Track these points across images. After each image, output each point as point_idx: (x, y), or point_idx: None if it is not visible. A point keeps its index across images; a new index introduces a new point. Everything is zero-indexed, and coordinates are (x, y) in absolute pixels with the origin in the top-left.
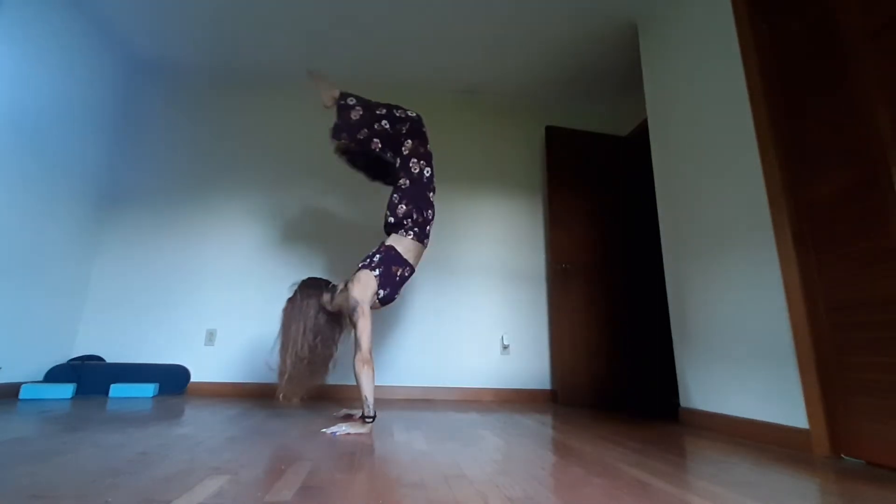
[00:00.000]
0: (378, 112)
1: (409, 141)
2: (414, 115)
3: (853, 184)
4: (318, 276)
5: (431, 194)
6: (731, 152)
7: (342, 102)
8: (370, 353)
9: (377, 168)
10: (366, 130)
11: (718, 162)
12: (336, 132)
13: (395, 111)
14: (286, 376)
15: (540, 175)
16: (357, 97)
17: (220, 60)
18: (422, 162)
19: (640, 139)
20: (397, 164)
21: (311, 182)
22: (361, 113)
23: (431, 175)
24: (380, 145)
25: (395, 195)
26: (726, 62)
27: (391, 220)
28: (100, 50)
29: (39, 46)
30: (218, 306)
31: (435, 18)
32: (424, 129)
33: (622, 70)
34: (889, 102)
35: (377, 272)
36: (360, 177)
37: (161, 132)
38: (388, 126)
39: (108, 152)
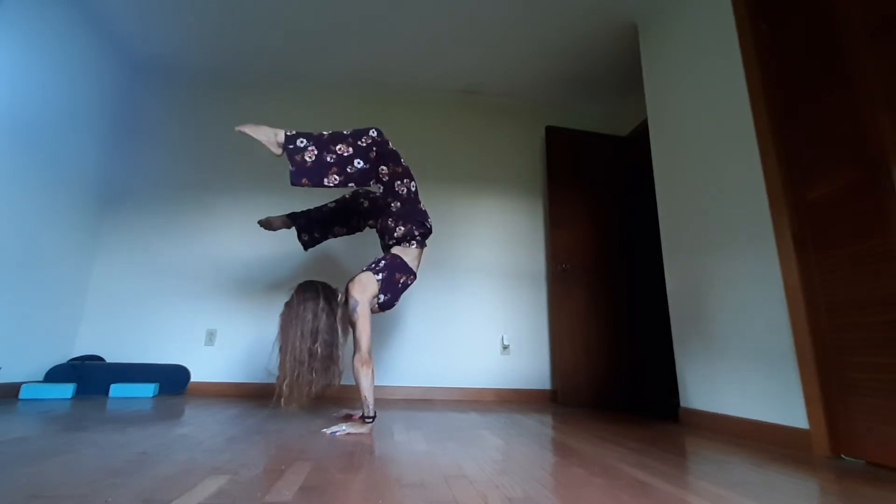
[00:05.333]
0: (342, 152)
1: (384, 167)
2: (374, 133)
3: (853, 184)
4: (319, 277)
5: (421, 205)
6: (731, 152)
7: (291, 147)
8: (369, 354)
9: (342, 219)
10: (336, 178)
11: (718, 162)
12: (295, 178)
13: (359, 142)
14: (286, 381)
15: (540, 175)
16: (306, 135)
17: (219, 61)
18: (405, 180)
19: (640, 139)
20: (380, 191)
21: None
22: (316, 154)
23: (416, 188)
24: (354, 185)
25: (389, 220)
26: (726, 62)
27: (391, 242)
28: (99, 51)
29: (39, 47)
30: (218, 306)
31: (435, 18)
32: (390, 146)
33: (622, 70)
34: (889, 102)
35: (380, 276)
36: None
37: (160, 133)
38: (362, 165)
39: (108, 152)
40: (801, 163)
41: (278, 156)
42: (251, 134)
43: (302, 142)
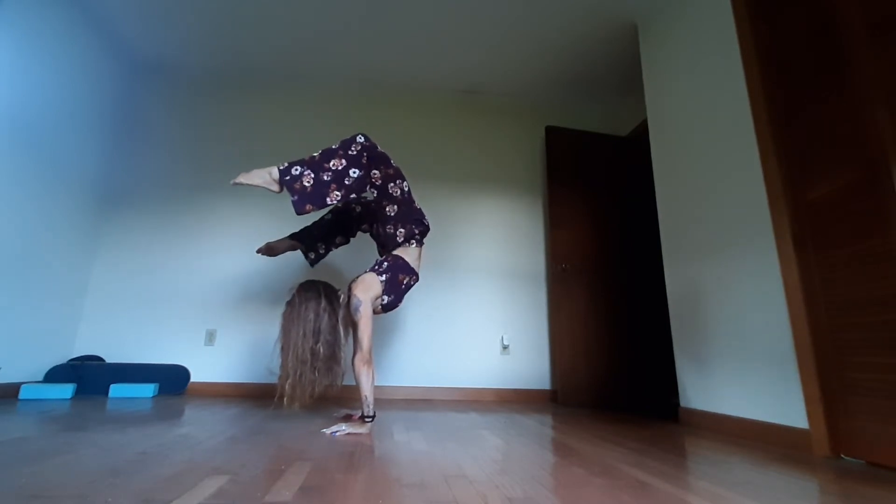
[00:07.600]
0: (336, 166)
1: (376, 171)
2: (361, 138)
3: (853, 184)
4: (319, 277)
5: (416, 203)
6: (731, 152)
7: (287, 178)
8: (371, 353)
9: (341, 229)
10: (337, 193)
11: (718, 162)
12: (299, 206)
13: (349, 151)
14: (288, 381)
15: (540, 175)
16: (298, 163)
17: (219, 61)
18: (398, 181)
19: (640, 139)
20: (375, 195)
21: None
22: (313, 177)
23: (409, 188)
24: (355, 195)
25: (388, 227)
26: (726, 62)
27: (390, 247)
28: (99, 51)
29: (39, 47)
30: (218, 306)
31: (435, 18)
32: (379, 149)
33: (622, 70)
34: (889, 102)
35: (383, 277)
36: None
37: (160, 133)
38: (358, 173)
39: (108, 152)
40: (801, 163)
41: (279, 192)
42: (246, 182)
43: (297, 169)
